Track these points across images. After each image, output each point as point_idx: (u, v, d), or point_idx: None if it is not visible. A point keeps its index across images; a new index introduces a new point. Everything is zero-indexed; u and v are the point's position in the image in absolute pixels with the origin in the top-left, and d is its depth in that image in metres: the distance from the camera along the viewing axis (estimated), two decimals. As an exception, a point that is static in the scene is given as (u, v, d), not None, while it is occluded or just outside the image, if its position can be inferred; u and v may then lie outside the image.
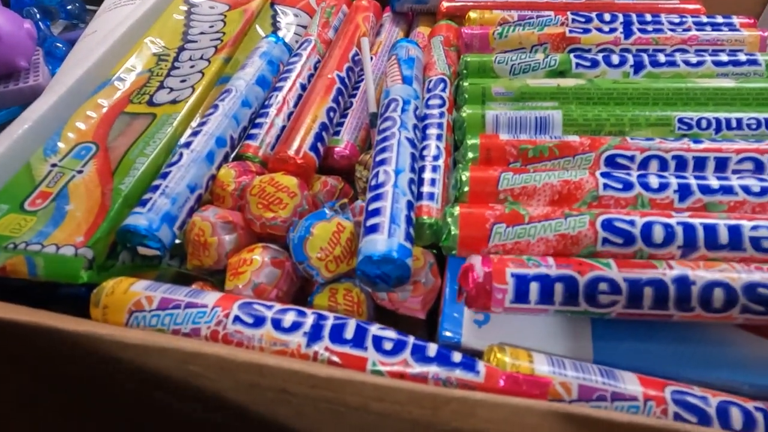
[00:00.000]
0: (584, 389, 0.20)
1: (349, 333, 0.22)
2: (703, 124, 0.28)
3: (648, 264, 0.22)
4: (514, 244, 0.24)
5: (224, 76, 0.37)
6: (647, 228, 0.23)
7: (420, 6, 0.45)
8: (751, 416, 0.20)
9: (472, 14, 0.40)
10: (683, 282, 0.21)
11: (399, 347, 0.21)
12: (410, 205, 0.26)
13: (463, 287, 0.22)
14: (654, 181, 0.25)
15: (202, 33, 0.40)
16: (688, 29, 0.35)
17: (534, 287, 0.21)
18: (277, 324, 0.23)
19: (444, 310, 0.25)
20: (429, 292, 0.26)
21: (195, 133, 0.31)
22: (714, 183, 0.25)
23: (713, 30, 0.35)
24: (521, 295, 0.21)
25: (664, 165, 0.27)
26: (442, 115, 0.33)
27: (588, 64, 0.33)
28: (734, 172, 0.26)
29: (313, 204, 0.29)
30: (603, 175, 0.26)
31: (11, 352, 0.24)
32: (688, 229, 0.23)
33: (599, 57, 0.33)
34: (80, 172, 0.29)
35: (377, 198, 0.26)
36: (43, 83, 0.41)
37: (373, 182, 0.27)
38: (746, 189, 0.24)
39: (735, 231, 0.22)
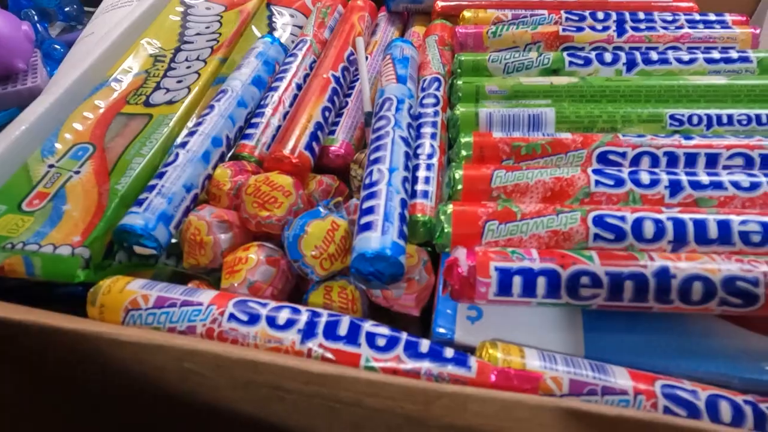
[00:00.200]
0: (575, 384, 0.21)
1: (342, 330, 0.22)
2: (695, 120, 0.29)
3: (630, 256, 0.22)
4: (506, 241, 0.24)
5: (220, 76, 0.37)
6: (638, 224, 0.23)
7: (415, 5, 0.45)
8: (740, 409, 0.20)
9: (467, 13, 0.40)
10: (664, 275, 0.21)
11: (392, 343, 0.22)
12: (404, 203, 0.27)
13: (448, 281, 0.22)
14: (645, 178, 0.25)
15: (198, 34, 0.40)
16: (681, 27, 0.36)
17: (517, 281, 0.21)
18: (271, 321, 0.23)
19: (437, 307, 0.25)
20: (423, 289, 0.26)
21: (191, 133, 0.31)
22: (704, 178, 0.25)
23: (705, 28, 0.35)
24: (504, 288, 0.21)
25: (655, 161, 0.27)
26: (436, 113, 0.33)
27: (581, 62, 0.33)
28: (725, 167, 0.26)
29: (309, 203, 0.30)
30: (595, 171, 0.26)
31: (8, 351, 0.24)
32: (678, 224, 0.23)
33: (592, 55, 0.33)
34: (77, 172, 0.30)
35: (371, 196, 0.26)
36: (41, 85, 0.41)
37: (367, 180, 0.27)
38: (736, 184, 0.25)
39: (724, 226, 0.23)
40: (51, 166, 0.30)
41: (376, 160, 0.28)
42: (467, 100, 0.32)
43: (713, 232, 0.23)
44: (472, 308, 0.25)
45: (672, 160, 0.27)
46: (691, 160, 0.27)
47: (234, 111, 0.33)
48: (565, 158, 0.28)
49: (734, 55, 0.32)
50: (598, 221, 0.24)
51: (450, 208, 0.25)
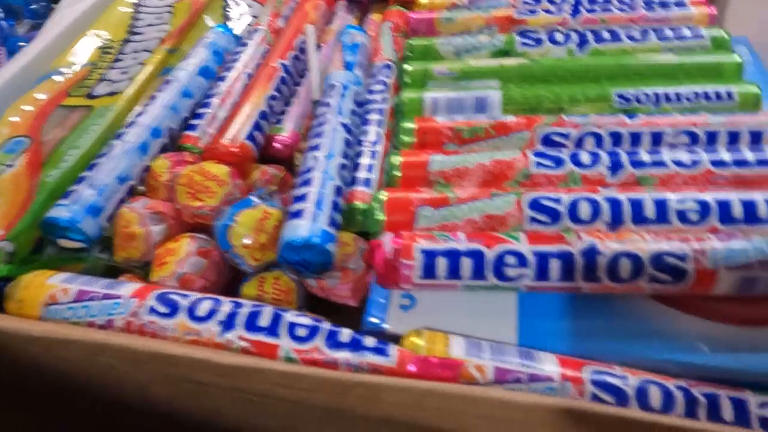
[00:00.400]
0: (500, 371, 0.20)
1: (264, 320, 0.21)
2: (642, 98, 0.28)
3: (558, 236, 0.21)
4: (440, 227, 0.23)
5: (168, 67, 0.36)
6: (573, 205, 0.22)
7: (374, -8, 0.44)
8: (670, 395, 0.19)
9: (422, -1, 0.39)
10: (591, 253, 0.20)
11: (312, 333, 0.21)
12: (339, 191, 0.26)
13: (372, 264, 0.21)
14: (585, 158, 0.25)
15: (149, 25, 0.39)
16: (635, 8, 0.34)
17: (442, 262, 0.21)
18: (191, 313, 0.22)
19: (370, 296, 0.24)
20: (359, 279, 0.25)
21: (130, 125, 0.30)
22: (645, 157, 0.24)
23: (662, 8, 0.34)
24: (429, 270, 0.21)
25: (599, 141, 0.26)
26: (384, 100, 0.32)
27: (532, 42, 0.32)
28: (670, 146, 0.25)
29: (249, 193, 0.29)
30: (535, 154, 0.25)
31: None
32: (615, 204, 0.22)
33: (543, 36, 0.32)
34: (10, 165, 0.29)
35: (304, 183, 0.25)
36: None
37: (303, 168, 0.26)
38: (678, 162, 0.24)
39: (661, 205, 0.22)
40: (-16, 160, 0.29)
41: (314, 147, 0.27)
42: (415, 86, 0.31)
43: (650, 211, 0.22)
44: (405, 296, 0.24)
45: (616, 140, 0.26)
46: (635, 139, 0.26)
47: (178, 101, 0.32)
48: (508, 140, 0.27)
49: (687, 32, 0.31)
50: (534, 204, 0.23)
51: (384, 195, 0.25)
